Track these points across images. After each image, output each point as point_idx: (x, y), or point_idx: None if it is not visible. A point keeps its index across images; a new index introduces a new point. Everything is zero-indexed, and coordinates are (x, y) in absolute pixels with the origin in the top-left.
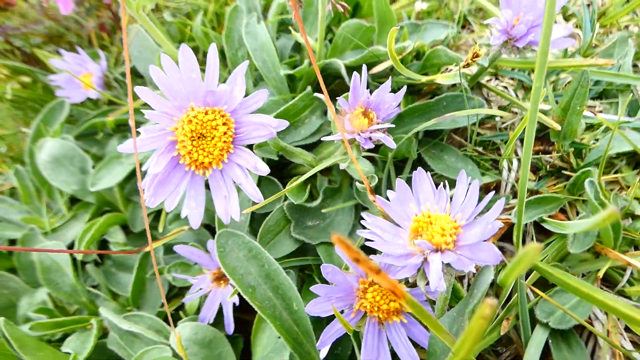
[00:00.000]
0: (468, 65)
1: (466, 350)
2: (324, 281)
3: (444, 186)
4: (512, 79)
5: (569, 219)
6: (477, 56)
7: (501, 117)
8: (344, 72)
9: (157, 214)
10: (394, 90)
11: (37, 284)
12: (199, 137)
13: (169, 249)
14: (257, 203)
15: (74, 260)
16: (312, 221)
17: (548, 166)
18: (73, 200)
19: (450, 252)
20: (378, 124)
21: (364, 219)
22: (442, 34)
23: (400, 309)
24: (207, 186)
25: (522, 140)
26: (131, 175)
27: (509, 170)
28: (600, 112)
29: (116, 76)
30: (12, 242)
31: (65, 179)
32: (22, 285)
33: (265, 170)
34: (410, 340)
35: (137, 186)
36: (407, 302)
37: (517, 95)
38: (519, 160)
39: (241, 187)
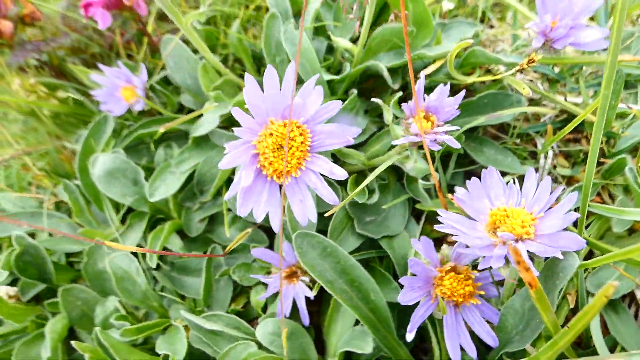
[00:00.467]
0: (522, 69)
1: (585, 323)
2: (389, 271)
3: (514, 182)
4: (535, 72)
5: (603, 201)
6: (533, 61)
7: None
8: (386, 74)
9: (210, 218)
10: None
11: (104, 292)
12: (278, 148)
13: (232, 251)
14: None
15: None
16: (369, 217)
17: (581, 154)
18: (121, 210)
19: (531, 242)
20: (439, 126)
21: (439, 215)
22: (470, 32)
23: (473, 292)
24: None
25: (554, 131)
26: (184, 184)
27: (545, 158)
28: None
29: (153, 85)
30: (69, 255)
31: (119, 191)
32: (93, 294)
33: (342, 174)
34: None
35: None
36: (537, 291)
37: (542, 88)
38: (553, 151)
39: (316, 191)
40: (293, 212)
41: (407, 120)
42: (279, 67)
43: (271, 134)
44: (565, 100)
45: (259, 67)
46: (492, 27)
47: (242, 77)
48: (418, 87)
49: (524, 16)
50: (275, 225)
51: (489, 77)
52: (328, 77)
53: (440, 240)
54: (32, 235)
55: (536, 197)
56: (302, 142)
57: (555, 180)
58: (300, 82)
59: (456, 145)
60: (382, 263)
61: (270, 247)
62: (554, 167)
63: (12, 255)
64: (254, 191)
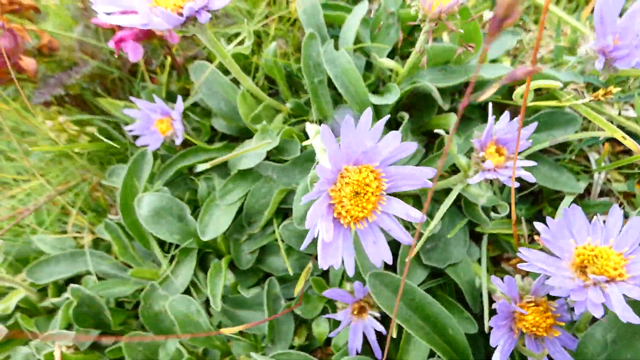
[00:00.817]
0: (598, 100)
1: None
2: (455, 298)
3: (598, 219)
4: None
5: None
6: (610, 93)
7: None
8: (437, 95)
9: (261, 249)
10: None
11: (162, 333)
12: (354, 195)
13: (284, 281)
14: None
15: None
16: (429, 244)
17: (637, 168)
18: (166, 246)
19: (624, 284)
20: (509, 159)
21: (521, 253)
22: (513, 41)
23: (554, 323)
24: None
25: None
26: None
27: (599, 173)
28: None
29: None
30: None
31: (166, 229)
32: (152, 337)
33: (418, 216)
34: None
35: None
36: None
37: (584, 96)
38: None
39: (390, 232)
40: (367, 254)
41: (479, 154)
42: (319, 88)
43: (347, 183)
44: (620, 114)
45: (290, 85)
46: (528, 30)
47: (273, 96)
48: (490, 122)
49: (562, 20)
50: (350, 269)
51: (554, 103)
52: (375, 100)
53: (496, 259)
54: (78, 277)
55: (622, 234)
56: (377, 187)
57: (609, 194)
58: (343, 102)
59: (532, 180)
60: (445, 289)
61: (324, 275)
62: (608, 180)
63: (69, 309)
64: (332, 242)
